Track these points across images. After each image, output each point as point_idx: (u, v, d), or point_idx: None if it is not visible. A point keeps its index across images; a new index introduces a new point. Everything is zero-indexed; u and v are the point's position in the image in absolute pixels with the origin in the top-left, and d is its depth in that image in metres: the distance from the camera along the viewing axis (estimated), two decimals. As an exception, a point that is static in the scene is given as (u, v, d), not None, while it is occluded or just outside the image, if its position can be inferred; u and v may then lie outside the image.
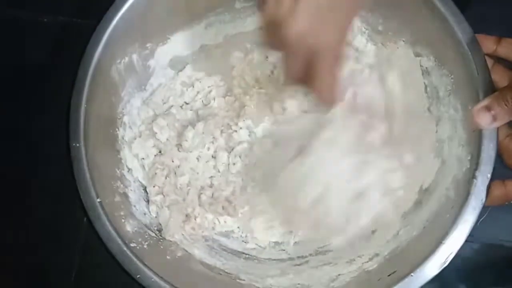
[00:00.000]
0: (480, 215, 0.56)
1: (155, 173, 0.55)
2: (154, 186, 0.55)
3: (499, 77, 0.50)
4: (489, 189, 0.46)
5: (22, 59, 0.65)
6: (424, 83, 0.55)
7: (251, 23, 0.59)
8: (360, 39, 0.58)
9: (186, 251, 0.52)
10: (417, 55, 0.55)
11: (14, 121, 0.63)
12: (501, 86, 0.49)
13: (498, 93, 0.46)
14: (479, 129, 0.47)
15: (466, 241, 0.56)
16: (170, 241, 0.52)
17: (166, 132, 0.56)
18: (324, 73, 0.44)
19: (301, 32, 0.41)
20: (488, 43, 0.50)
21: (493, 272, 0.61)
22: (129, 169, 0.55)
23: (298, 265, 0.54)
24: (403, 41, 0.56)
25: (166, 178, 0.55)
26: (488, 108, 0.45)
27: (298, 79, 0.46)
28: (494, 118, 0.45)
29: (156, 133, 0.56)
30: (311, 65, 0.44)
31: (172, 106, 0.58)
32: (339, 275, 0.50)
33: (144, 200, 0.54)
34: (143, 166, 0.56)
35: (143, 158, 0.56)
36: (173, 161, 0.56)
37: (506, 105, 0.45)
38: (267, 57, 0.60)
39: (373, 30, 0.57)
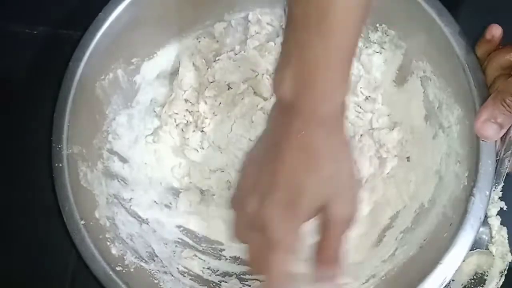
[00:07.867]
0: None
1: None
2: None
3: (483, 52, 0.48)
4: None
5: (4, 71, 0.62)
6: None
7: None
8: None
9: (173, 276, 0.51)
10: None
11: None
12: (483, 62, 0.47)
13: (494, 100, 0.44)
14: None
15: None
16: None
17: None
18: None
19: None
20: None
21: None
22: (114, 189, 0.53)
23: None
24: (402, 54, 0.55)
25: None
26: (491, 119, 0.44)
27: None
28: (501, 126, 0.44)
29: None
30: None
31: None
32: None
33: (131, 222, 0.53)
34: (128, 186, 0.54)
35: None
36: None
37: (509, 111, 0.43)
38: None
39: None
